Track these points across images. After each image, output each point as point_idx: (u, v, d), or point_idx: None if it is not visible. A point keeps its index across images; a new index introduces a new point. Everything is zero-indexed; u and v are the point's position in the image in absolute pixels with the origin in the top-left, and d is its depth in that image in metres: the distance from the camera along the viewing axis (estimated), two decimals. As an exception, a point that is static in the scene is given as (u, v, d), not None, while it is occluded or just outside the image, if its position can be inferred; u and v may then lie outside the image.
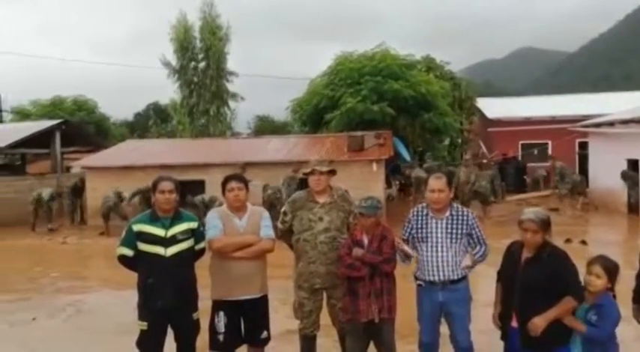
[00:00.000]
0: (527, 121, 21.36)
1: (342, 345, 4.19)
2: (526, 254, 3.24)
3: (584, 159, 17.74)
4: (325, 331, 4.62)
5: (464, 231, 3.75)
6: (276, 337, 4.86)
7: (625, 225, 12.39)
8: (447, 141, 20.09)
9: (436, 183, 3.76)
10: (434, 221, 3.79)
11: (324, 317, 4.27)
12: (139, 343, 3.85)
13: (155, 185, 3.90)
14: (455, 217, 3.77)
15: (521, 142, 21.45)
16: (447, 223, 3.76)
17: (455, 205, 3.85)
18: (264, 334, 4.03)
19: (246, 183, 4.05)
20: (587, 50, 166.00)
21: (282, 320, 5.20)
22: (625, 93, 25.22)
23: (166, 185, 3.87)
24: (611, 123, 14.99)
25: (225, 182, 4.02)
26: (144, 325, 3.80)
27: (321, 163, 4.18)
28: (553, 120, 20.29)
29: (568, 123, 18.00)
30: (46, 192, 13.60)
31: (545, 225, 3.18)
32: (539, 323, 3.07)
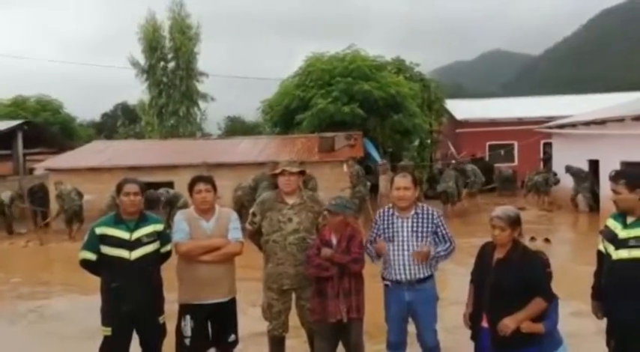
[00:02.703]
0: (495, 123, 21.84)
1: (311, 346, 4.19)
2: (497, 255, 3.28)
3: (548, 161, 18.20)
4: (294, 332, 4.61)
5: (429, 229, 3.80)
6: (244, 339, 4.82)
7: (586, 223, 12.79)
8: (416, 142, 20.30)
9: (402, 181, 3.80)
10: (400, 220, 3.82)
11: (293, 319, 4.27)
12: (103, 349, 3.76)
13: (119, 187, 3.83)
14: (420, 216, 3.82)
15: (488, 143, 21.91)
16: (412, 222, 3.80)
17: (420, 204, 3.90)
18: (232, 337, 4.00)
19: (214, 184, 4.01)
20: (553, 53, 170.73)
21: (251, 322, 5.16)
22: (588, 95, 26.00)
23: (131, 187, 3.79)
24: (573, 125, 15.44)
25: (193, 184, 3.97)
26: (108, 331, 3.72)
27: (291, 164, 4.18)
28: (519, 122, 20.78)
29: (534, 125, 18.46)
30: (5, 195, 13.13)
31: (512, 222, 3.23)
32: (509, 323, 3.12)
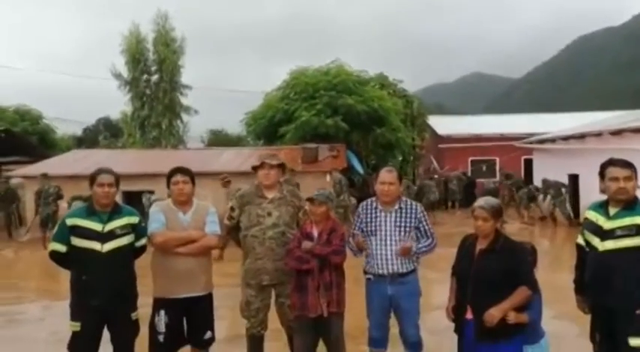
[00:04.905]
0: (477, 138, 22.08)
1: (290, 347, 4.05)
2: (480, 246, 3.24)
3: (529, 176, 18.40)
4: (274, 335, 4.48)
5: (412, 224, 3.75)
6: (222, 341, 4.67)
7: (564, 235, 12.87)
8: (399, 158, 20.42)
9: (387, 176, 3.76)
10: (383, 214, 3.77)
11: (273, 321, 4.13)
12: (71, 345, 3.57)
13: (93, 177, 3.70)
14: (404, 210, 3.77)
15: (470, 158, 22.11)
16: (395, 216, 3.74)
17: (403, 199, 3.85)
18: (208, 334, 3.84)
19: (192, 176, 3.91)
20: (532, 77, 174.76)
21: (229, 326, 5.02)
22: (568, 113, 26.39)
23: (106, 178, 3.67)
24: (553, 140, 15.66)
25: (171, 175, 3.86)
26: (77, 326, 3.53)
27: (271, 157, 4.10)
28: (501, 138, 21.03)
29: (515, 141, 18.67)
30: None
31: (495, 212, 3.19)
32: (495, 313, 3.05)
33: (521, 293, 3.10)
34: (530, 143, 17.50)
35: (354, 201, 13.01)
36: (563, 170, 14.36)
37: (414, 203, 3.87)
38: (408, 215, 3.76)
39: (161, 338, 3.67)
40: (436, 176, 20.03)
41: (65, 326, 3.70)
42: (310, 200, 3.77)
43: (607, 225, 3.16)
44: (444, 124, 23.65)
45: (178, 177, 3.81)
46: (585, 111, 28.62)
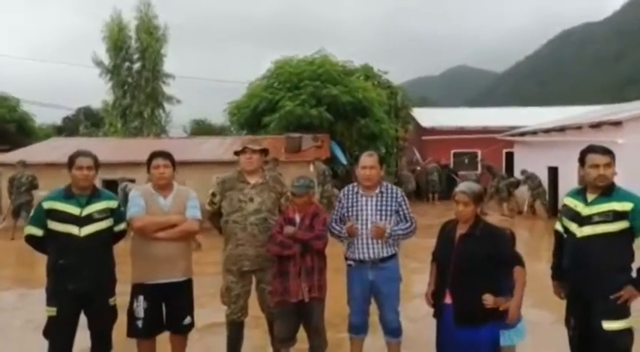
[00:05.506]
0: (459, 131, 22.23)
1: (271, 334, 4.04)
2: (460, 231, 3.26)
3: (510, 169, 18.60)
4: (254, 322, 4.47)
5: (393, 208, 3.75)
6: (202, 329, 4.66)
7: (542, 227, 13.08)
8: (383, 149, 20.44)
9: (368, 160, 3.76)
10: (364, 199, 3.77)
11: (254, 308, 4.12)
12: (47, 331, 3.51)
13: (72, 160, 3.63)
14: (384, 194, 3.77)
15: (453, 151, 22.28)
16: (376, 200, 3.75)
17: (384, 183, 3.85)
18: (188, 320, 3.81)
19: (173, 160, 3.86)
20: (515, 71, 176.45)
21: (209, 313, 4.99)
22: (551, 108, 26.63)
23: (84, 161, 3.60)
24: (534, 132, 15.84)
25: (151, 159, 3.81)
26: (52, 311, 3.47)
27: (253, 142, 4.08)
28: (484, 131, 21.19)
29: (498, 134, 18.82)
30: None
31: (476, 197, 3.22)
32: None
33: (521, 275, 3.16)
34: (512, 135, 17.67)
35: (336, 191, 13.01)
36: (544, 162, 14.55)
37: (394, 187, 3.88)
38: (389, 199, 3.76)
39: (140, 323, 3.64)
40: (418, 168, 20.16)
41: (41, 314, 3.63)
42: (292, 194, 3.76)
43: (585, 211, 3.20)
44: (427, 116, 23.73)
45: (159, 161, 3.76)
46: (568, 105, 28.96)
